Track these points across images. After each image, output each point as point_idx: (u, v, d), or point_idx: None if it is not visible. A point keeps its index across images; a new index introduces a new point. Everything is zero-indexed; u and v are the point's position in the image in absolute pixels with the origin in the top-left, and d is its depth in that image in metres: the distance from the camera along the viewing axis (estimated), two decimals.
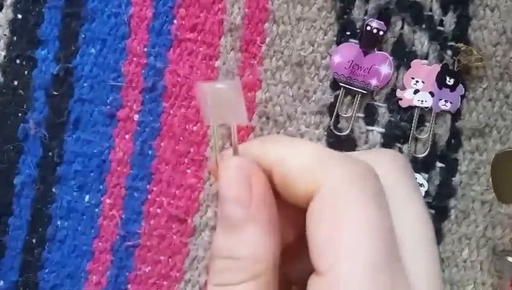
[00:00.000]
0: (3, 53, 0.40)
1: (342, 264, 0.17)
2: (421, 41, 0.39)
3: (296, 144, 0.20)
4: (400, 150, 0.40)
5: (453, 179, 0.40)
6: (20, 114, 0.40)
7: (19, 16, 0.40)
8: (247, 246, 0.19)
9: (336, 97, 0.40)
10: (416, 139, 0.40)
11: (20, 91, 0.40)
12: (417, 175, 0.39)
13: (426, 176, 0.40)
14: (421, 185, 0.39)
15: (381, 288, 0.16)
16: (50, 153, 0.40)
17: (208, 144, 0.40)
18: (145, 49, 0.40)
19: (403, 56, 0.40)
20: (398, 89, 0.40)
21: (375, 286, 0.16)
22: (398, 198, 0.19)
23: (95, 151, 0.40)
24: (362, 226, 0.17)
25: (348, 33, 0.40)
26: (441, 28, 0.39)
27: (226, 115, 0.20)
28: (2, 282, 0.41)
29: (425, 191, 0.40)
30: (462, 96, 0.39)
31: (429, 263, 0.18)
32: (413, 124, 0.40)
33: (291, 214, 0.20)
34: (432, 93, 0.39)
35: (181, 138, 0.40)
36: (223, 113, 0.20)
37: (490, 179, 0.38)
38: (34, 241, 0.41)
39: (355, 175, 0.18)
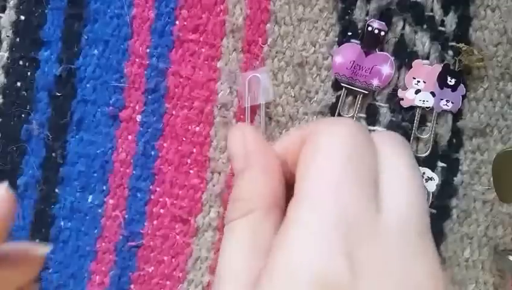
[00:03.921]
0: (7, 54, 0.41)
1: (307, 185, 0.19)
2: (422, 41, 0.40)
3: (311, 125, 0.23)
4: None
5: (455, 178, 0.40)
6: (23, 115, 0.41)
7: (22, 18, 0.41)
8: (243, 189, 0.22)
9: (338, 97, 0.40)
10: (417, 139, 0.40)
11: (23, 92, 0.41)
12: (426, 170, 0.40)
13: None
14: (430, 178, 0.40)
15: (344, 198, 0.18)
16: (53, 154, 0.41)
17: (210, 145, 0.40)
18: (148, 50, 0.40)
19: (404, 56, 0.40)
20: (399, 89, 0.40)
21: (337, 197, 0.18)
22: (387, 152, 0.21)
23: (98, 152, 0.41)
24: (328, 156, 0.19)
25: (350, 34, 0.40)
26: (442, 28, 0.40)
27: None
28: None
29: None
30: (463, 96, 0.40)
31: (409, 193, 0.19)
32: (414, 124, 0.40)
33: None
34: (433, 93, 0.39)
35: (184, 139, 0.40)
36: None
37: (491, 179, 0.38)
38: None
39: (330, 128, 0.20)
